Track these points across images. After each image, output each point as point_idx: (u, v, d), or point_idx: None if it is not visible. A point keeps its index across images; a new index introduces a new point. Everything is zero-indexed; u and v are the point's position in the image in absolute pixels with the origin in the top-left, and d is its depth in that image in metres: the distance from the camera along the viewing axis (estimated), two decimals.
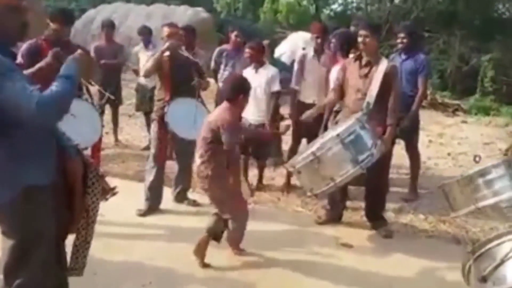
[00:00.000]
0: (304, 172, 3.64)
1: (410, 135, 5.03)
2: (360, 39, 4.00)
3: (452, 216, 3.69)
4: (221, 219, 3.56)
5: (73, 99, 2.11)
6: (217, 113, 3.53)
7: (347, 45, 4.60)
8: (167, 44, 4.27)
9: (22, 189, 2.07)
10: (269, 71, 4.98)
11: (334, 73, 4.50)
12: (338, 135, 3.50)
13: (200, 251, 3.51)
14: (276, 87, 4.95)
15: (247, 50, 5.04)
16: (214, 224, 3.55)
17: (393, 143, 5.09)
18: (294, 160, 3.82)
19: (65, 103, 2.04)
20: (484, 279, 2.30)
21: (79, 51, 2.30)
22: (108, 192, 2.47)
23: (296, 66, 5.16)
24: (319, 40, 5.01)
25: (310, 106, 5.00)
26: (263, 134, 4.67)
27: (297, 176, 3.89)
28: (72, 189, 2.23)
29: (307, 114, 4.27)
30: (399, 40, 5.03)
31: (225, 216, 3.55)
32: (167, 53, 4.31)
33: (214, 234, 3.56)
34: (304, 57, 5.15)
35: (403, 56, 4.97)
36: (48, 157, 2.16)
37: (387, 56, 4.75)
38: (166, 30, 4.39)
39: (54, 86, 2.02)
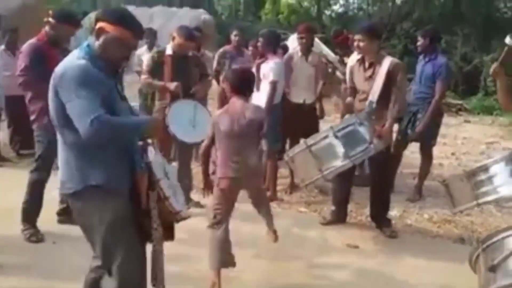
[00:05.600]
0: (296, 161, 3.84)
1: (428, 139, 5.04)
2: (355, 43, 4.05)
3: (453, 212, 3.68)
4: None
5: (125, 140, 2.29)
6: (253, 108, 3.44)
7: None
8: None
9: (85, 187, 2.23)
10: (269, 63, 5.01)
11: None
12: (331, 127, 3.68)
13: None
14: (270, 77, 4.95)
15: (250, 48, 5.39)
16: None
17: (404, 147, 5.10)
18: (291, 151, 4.01)
19: (118, 134, 2.24)
20: (492, 269, 2.30)
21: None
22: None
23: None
24: (303, 40, 5.01)
25: (299, 105, 5.01)
26: None
27: (291, 165, 4.08)
28: (137, 200, 2.31)
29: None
30: (419, 43, 5.11)
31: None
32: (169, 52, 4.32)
33: None
34: (290, 57, 5.15)
35: (425, 59, 5.02)
36: (116, 165, 2.26)
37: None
38: (178, 41, 4.25)
39: (120, 118, 2.24)
